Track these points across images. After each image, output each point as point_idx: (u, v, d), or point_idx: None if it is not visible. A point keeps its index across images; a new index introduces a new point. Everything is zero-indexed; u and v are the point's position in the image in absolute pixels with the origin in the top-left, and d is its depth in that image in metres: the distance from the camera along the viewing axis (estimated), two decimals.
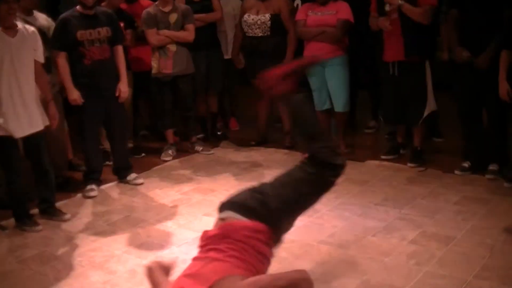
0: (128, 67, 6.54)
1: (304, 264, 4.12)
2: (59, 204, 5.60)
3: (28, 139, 5.08)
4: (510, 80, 5.35)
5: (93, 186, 5.96)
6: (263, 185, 3.63)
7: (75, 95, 5.75)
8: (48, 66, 5.70)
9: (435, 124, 7.05)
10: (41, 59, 5.17)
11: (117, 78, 5.97)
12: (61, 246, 4.81)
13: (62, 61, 5.74)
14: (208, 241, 3.34)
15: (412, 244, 4.52)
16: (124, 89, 5.99)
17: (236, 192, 3.62)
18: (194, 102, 7.34)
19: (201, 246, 3.38)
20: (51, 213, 5.37)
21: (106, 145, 6.46)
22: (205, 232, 3.43)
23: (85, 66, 5.77)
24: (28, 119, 5.01)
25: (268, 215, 3.42)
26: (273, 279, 3.11)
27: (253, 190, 3.57)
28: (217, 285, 3.01)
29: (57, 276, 4.32)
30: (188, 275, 3.16)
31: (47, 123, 5.21)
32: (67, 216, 5.35)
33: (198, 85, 7.33)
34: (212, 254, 3.24)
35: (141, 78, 7.03)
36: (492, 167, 5.80)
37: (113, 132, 6.16)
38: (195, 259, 3.31)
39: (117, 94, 5.94)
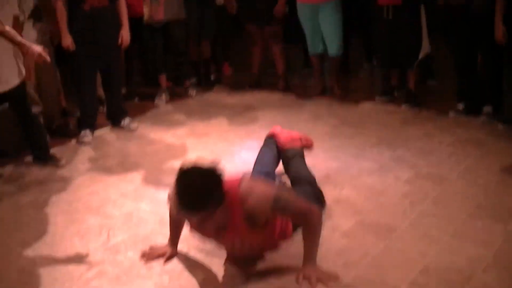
0: None
1: None
2: (53, 151, 5.60)
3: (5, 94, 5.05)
4: (505, 23, 5.32)
5: (87, 132, 5.93)
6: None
7: (68, 41, 5.69)
8: (39, 14, 5.66)
9: (430, 67, 7.03)
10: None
11: (115, 26, 5.91)
12: (57, 192, 4.82)
13: (60, 5, 5.66)
14: None
15: (406, 184, 4.55)
16: (126, 36, 5.96)
17: None
18: (187, 47, 7.30)
19: None
20: (45, 159, 5.36)
21: (100, 92, 6.42)
22: None
23: (84, 12, 5.68)
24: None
25: None
26: (295, 199, 3.45)
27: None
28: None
29: (53, 221, 4.33)
30: None
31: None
32: (62, 162, 5.34)
33: (191, 31, 7.27)
34: None
35: (133, 24, 6.95)
36: (487, 109, 5.80)
37: (109, 79, 6.11)
38: None
39: (119, 41, 5.92)
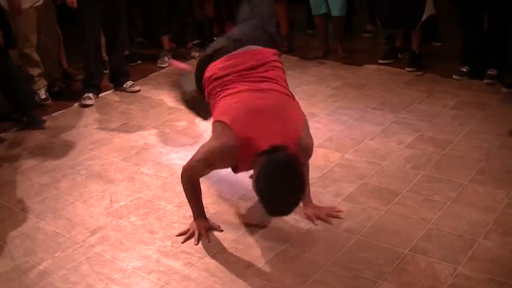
0: None
1: None
2: (56, 114, 5.62)
3: None
4: None
5: (90, 95, 5.90)
6: (252, 17, 3.88)
7: None
8: None
9: (434, 28, 6.95)
10: None
11: None
12: (59, 156, 4.83)
13: None
14: (246, 72, 3.53)
15: (409, 148, 4.54)
16: None
17: (238, 31, 3.80)
18: (190, 7, 7.23)
19: (239, 76, 3.53)
20: (29, 121, 5.36)
21: (103, 54, 6.38)
22: (234, 66, 3.55)
23: None
24: None
25: (274, 41, 3.80)
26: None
27: (254, 25, 3.80)
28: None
29: (56, 186, 4.35)
30: (276, 115, 3.30)
31: None
32: (46, 124, 5.37)
33: None
34: (270, 86, 3.48)
35: None
36: (491, 71, 5.74)
37: (113, 39, 6.07)
38: (249, 90, 3.44)
39: None
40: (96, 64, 6.03)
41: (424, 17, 6.10)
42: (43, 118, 5.51)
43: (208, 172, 3.56)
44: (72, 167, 4.63)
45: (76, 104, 5.89)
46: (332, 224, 3.61)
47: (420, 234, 3.47)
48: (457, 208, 3.71)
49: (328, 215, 3.67)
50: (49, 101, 5.90)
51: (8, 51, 5.42)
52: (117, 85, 6.23)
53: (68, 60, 6.53)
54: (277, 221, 3.68)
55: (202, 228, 3.60)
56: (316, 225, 3.61)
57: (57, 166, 4.65)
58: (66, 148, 4.97)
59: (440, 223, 3.56)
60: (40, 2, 5.66)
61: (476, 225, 3.51)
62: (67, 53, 6.49)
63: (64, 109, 5.80)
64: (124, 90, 6.18)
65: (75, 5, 5.62)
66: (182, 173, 3.55)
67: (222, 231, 3.64)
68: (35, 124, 5.35)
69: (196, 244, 3.52)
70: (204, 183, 4.17)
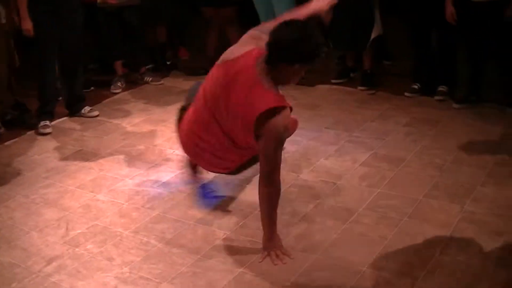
0: None
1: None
2: (9, 143, 5.54)
3: None
4: (455, 4, 5.40)
5: (47, 122, 5.81)
6: None
7: (29, 25, 5.54)
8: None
9: (385, 47, 7.05)
10: None
11: (77, 7, 5.85)
12: (13, 185, 4.75)
13: None
14: None
15: (363, 167, 4.59)
16: None
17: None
18: (143, 32, 7.23)
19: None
20: None
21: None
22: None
23: None
24: None
25: None
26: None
27: None
28: None
29: (11, 216, 4.28)
30: None
31: None
32: None
33: (146, 16, 7.19)
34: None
35: (86, 10, 6.87)
36: (441, 88, 5.86)
37: (68, 62, 6.01)
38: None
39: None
40: (51, 92, 5.95)
41: (373, 36, 6.18)
42: None
43: None
44: (27, 196, 4.56)
45: (30, 132, 5.78)
46: (276, 264, 3.50)
47: (377, 251, 3.50)
48: (413, 224, 3.76)
49: (277, 254, 3.54)
50: (2, 130, 5.81)
51: None
52: (74, 112, 6.16)
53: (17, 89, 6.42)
54: (235, 245, 3.69)
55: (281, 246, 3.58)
56: (259, 261, 3.53)
57: (11, 196, 4.57)
58: (19, 176, 4.90)
59: (397, 240, 3.61)
60: None
61: (432, 240, 3.57)
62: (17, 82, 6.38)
63: (17, 137, 5.71)
64: (83, 115, 6.12)
65: (32, 33, 5.56)
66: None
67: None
68: None
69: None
70: (160, 208, 4.18)
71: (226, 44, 7.39)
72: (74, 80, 6.14)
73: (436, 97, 5.82)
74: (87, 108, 6.16)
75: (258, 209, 3.88)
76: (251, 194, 4.21)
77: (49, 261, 3.67)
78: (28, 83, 6.20)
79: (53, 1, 5.62)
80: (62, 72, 6.11)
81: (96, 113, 6.16)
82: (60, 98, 6.28)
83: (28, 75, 6.09)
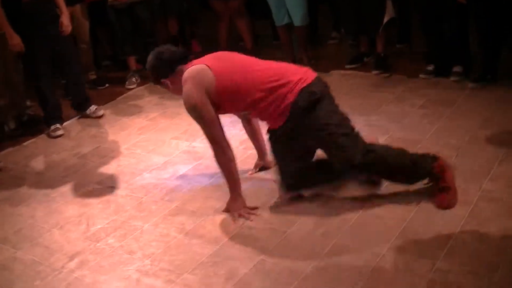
0: None
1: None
2: (27, 144, 5.59)
3: None
4: None
5: (58, 125, 5.83)
6: None
7: (16, 40, 5.46)
8: None
9: (398, 30, 7.02)
10: None
11: (58, 14, 5.77)
12: (34, 185, 4.80)
13: None
14: None
15: None
16: (66, 22, 5.76)
17: None
18: (154, 27, 7.25)
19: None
20: None
21: None
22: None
23: (24, 4, 5.49)
24: None
25: None
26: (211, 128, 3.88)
27: None
28: None
29: (32, 214, 4.33)
30: None
31: None
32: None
33: (156, 10, 7.21)
34: None
35: (97, 8, 6.91)
36: (456, 69, 5.80)
37: (65, 68, 6.04)
38: None
39: (60, 29, 5.72)
40: (53, 98, 5.91)
41: (385, 20, 6.15)
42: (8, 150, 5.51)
43: None
44: (47, 194, 4.60)
45: (44, 134, 5.83)
46: (251, 220, 3.85)
47: (396, 233, 3.50)
48: (431, 205, 3.74)
49: (241, 214, 3.92)
50: (19, 131, 5.87)
51: None
52: (81, 111, 6.20)
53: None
54: (254, 233, 3.71)
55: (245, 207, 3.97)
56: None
57: (31, 195, 4.63)
58: (39, 176, 4.95)
59: (415, 221, 3.60)
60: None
61: (451, 220, 3.55)
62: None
63: (34, 138, 5.76)
64: (89, 116, 6.15)
65: (21, 49, 5.49)
66: (220, 161, 3.92)
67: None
68: None
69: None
70: (179, 200, 4.20)
71: (236, 36, 7.49)
72: (75, 82, 6.18)
73: (452, 78, 5.78)
74: (92, 108, 6.18)
75: (276, 197, 3.92)
76: (267, 182, 4.25)
77: (72, 257, 3.71)
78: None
79: (32, 12, 5.54)
80: (63, 76, 6.11)
81: (101, 112, 6.17)
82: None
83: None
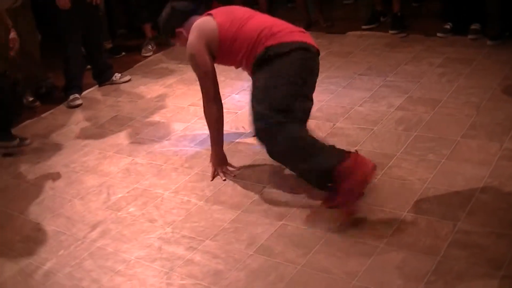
0: None
1: None
2: (45, 115, 5.62)
3: None
4: None
5: (76, 95, 5.85)
6: None
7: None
8: None
9: None
10: None
11: None
12: (53, 156, 4.83)
13: None
14: None
15: (399, 110, 4.54)
16: None
17: None
18: None
19: None
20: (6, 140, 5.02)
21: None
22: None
23: None
24: None
25: None
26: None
27: None
28: None
29: (52, 186, 4.36)
30: None
31: None
32: (27, 141, 5.09)
33: None
34: None
35: None
36: (474, 26, 5.73)
37: (92, 37, 6.03)
38: None
39: None
40: (77, 66, 5.95)
41: None
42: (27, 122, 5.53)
43: None
44: (67, 165, 4.63)
45: (62, 105, 5.86)
46: (224, 179, 4.01)
47: (417, 195, 3.48)
48: (452, 165, 3.72)
49: (223, 171, 4.07)
50: (37, 103, 5.88)
51: None
52: (104, 80, 6.20)
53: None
54: (274, 197, 3.70)
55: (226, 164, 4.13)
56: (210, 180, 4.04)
57: (51, 166, 4.65)
58: (58, 147, 4.97)
59: (436, 182, 3.57)
60: (19, 3, 5.60)
61: (472, 180, 3.52)
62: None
63: (52, 109, 5.78)
64: (114, 82, 6.15)
65: (69, 6, 5.54)
66: (206, 113, 3.99)
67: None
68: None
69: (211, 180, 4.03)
70: (199, 166, 4.20)
71: (253, 2, 7.44)
72: (100, 51, 6.19)
73: (469, 36, 5.71)
74: (117, 75, 6.20)
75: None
76: None
77: (93, 227, 3.73)
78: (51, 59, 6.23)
79: None
80: (87, 45, 6.11)
81: (127, 78, 6.19)
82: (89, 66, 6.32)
83: (50, 50, 6.11)
